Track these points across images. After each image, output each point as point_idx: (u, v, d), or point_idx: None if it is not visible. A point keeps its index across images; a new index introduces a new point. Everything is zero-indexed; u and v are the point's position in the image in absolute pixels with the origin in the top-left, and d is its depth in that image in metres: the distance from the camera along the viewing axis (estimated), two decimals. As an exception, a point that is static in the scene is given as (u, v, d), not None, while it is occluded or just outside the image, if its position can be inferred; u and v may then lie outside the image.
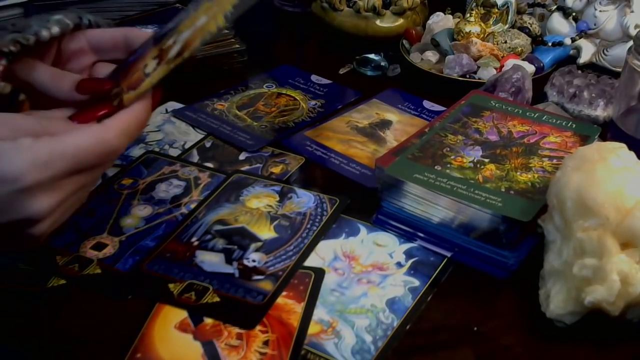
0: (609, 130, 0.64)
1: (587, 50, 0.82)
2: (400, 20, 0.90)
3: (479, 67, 0.79)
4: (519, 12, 0.85)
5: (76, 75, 0.46)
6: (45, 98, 0.45)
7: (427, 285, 0.51)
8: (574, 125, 0.63)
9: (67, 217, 0.46)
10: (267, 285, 0.51)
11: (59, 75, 0.46)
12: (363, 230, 0.57)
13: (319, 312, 0.49)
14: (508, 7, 0.82)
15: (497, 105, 0.66)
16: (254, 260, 0.53)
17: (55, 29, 0.47)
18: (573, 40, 0.81)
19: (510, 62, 0.77)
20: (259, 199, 0.60)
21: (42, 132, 0.40)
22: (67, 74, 0.46)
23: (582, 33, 0.81)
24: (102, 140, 0.41)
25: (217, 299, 0.49)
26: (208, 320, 0.48)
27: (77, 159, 0.40)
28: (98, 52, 0.50)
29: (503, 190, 0.53)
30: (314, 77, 0.83)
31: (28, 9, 0.88)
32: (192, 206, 0.59)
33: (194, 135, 0.71)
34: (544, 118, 0.64)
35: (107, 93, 0.44)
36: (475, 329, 0.48)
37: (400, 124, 0.74)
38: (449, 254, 0.54)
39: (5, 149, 0.38)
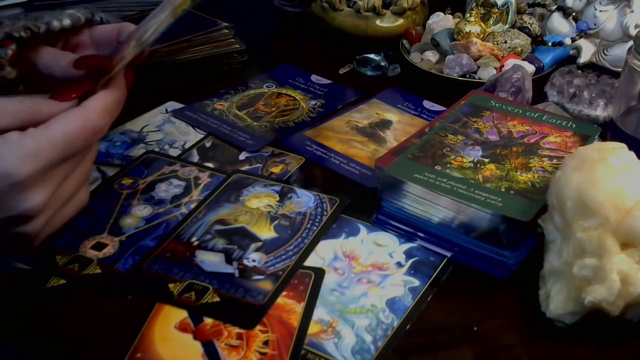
0: (609, 130, 0.64)
1: (587, 50, 0.82)
2: (400, 20, 0.90)
3: (479, 67, 0.79)
4: (519, 12, 0.85)
5: (74, 55, 0.47)
6: (45, 84, 0.46)
7: (427, 285, 0.51)
8: (574, 125, 0.63)
9: (64, 219, 0.46)
10: (267, 285, 0.51)
11: (59, 54, 0.48)
12: (363, 230, 0.57)
13: (319, 312, 0.49)
14: (508, 7, 0.82)
15: (497, 105, 0.66)
16: (254, 260, 0.53)
17: (67, 21, 0.48)
18: (573, 40, 0.81)
19: (510, 62, 0.77)
20: (259, 199, 0.60)
21: (26, 112, 0.41)
22: (67, 53, 0.48)
23: (582, 33, 0.81)
24: (86, 121, 0.42)
25: (217, 299, 0.49)
26: (208, 320, 0.48)
27: (66, 145, 0.41)
28: (98, 46, 0.51)
29: (503, 190, 0.53)
30: (314, 77, 0.83)
31: (28, 9, 0.88)
32: (192, 206, 0.59)
33: (194, 135, 0.71)
34: (544, 118, 0.64)
35: (102, 68, 0.45)
36: (475, 329, 0.48)
37: (400, 124, 0.74)
38: (449, 254, 0.54)
39: None
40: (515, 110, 0.65)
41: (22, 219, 0.41)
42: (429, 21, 0.87)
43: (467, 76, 0.78)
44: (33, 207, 0.41)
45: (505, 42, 0.80)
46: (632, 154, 0.49)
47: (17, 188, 0.39)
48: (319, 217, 0.58)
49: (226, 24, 0.85)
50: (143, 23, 0.47)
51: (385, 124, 0.73)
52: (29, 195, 0.40)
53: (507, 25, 0.82)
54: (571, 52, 0.83)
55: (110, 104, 0.45)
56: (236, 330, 0.47)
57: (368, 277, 0.52)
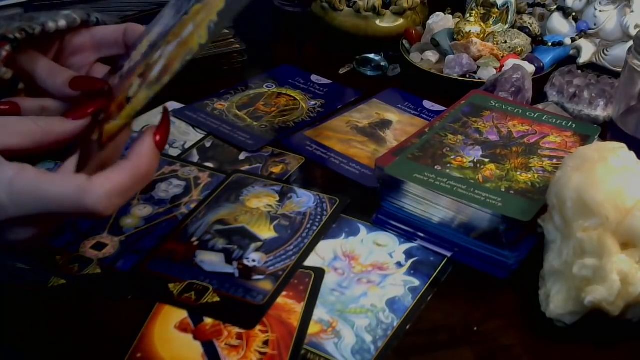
0: (609, 130, 0.64)
1: (587, 50, 0.82)
2: (400, 20, 0.90)
3: (479, 67, 0.79)
4: (519, 12, 0.85)
5: (71, 72, 0.46)
6: (41, 88, 0.46)
7: (427, 285, 0.51)
8: (574, 125, 0.63)
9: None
10: (267, 285, 0.51)
11: (55, 70, 0.46)
12: (363, 230, 0.57)
13: (319, 312, 0.49)
14: (508, 7, 0.82)
15: (497, 105, 0.66)
16: (254, 260, 0.53)
17: (62, 22, 0.47)
18: (573, 40, 0.81)
19: (510, 62, 0.77)
20: (259, 199, 0.60)
21: (39, 133, 0.40)
22: (64, 69, 0.47)
23: (582, 33, 0.81)
24: (78, 201, 0.37)
25: (217, 298, 0.49)
26: (208, 320, 0.48)
27: (46, 208, 0.38)
28: (100, 49, 0.50)
29: (503, 190, 0.53)
30: (314, 77, 0.83)
31: (28, 9, 0.88)
32: (192, 206, 0.59)
33: (194, 135, 0.71)
34: (544, 118, 0.64)
35: (98, 91, 0.44)
36: (475, 329, 0.48)
37: (400, 124, 0.74)
38: (449, 254, 0.54)
39: None
40: (515, 110, 0.65)
41: (11, 244, 0.41)
42: (429, 21, 0.87)
43: (467, 76, 0.78)
44: (20, 240, 0.40)
45: (505, 42, 0.80)
46: (632, 154, 0.49)
47: (3, 222, 0.38)
48: (319, 217, 0.58)
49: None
50: (154, 41, 0.42)
51: (385, 124, 0.73)
52: (16, 230, 0.39)
53: (507, 25, 0.82)
54: (571, 52, 0.83)
55: (123, 185, 0.38)
56: (236, 330, 0.47)
57: (368, 277, 0.52)
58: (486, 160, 0.57)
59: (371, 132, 0.72)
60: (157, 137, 0.41)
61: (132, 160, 0.39)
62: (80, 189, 0.37)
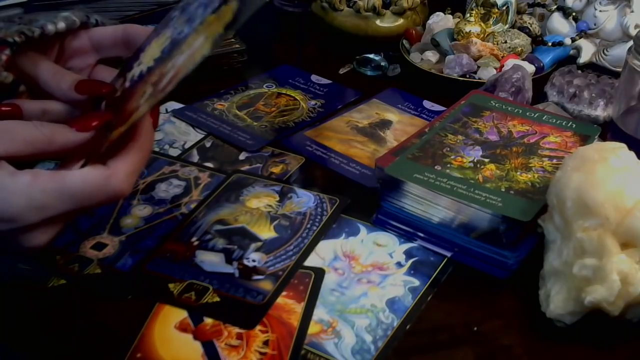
0: (609, 130, 0.64)
1: (587, 50, 0.82)
2: (400, 20, 0.90)
3: (479, 67, 0.79)
4: (519, 12, 0.85)
5: (77, 75, 0.46)
6: (45, 91, 0.46)
7: (427, 285, 0.51)
8: (574, 125, 0.63)
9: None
10: (267, 285, 0.51)
11: (60, 74, 0.46)
12: (363, 230, 0.57)
13: (319, 312, 0.49)
14: (508, 7, 0.82)
15: (497, 105, 0.66)
16: (254, 260, 0.53)
17: (62, 24, 0.47)
18: (573, 40, 0.81)
19: (510, 62, 0.77)
20: (259, 199, 0.60)
21: (41, 140, 0.40)
22: (69, 73, 0.46)
23: (582, 33, 0.81)
24: (105, 186, 0.40)
25: (217, 298, 0.49)
26: (208, 320, 0.48)
27: (75, 202, 0.39)
28: (99, 50, 0.49)
29: (503, 190, 0.53)
30: (314, 77, 0.83)
31: (28, 9, 0.89)
32: (192, 206, 0.59)
33: (194, 135, 0.71)
34: (544, 118, 0.64)
35: (105, 96, 0.44)
36: (475, 329, 0.48)
37: (400, 124, 0.74)
38: (449, 254, 0.54)
39: (4, 186, 0.38)
40: (515, 110, 0.65)
41: (26, 250, 0.41)
42: (429, 21, 0.87)
43: (467, 76, 0.78)
44: (35, 246, 0.40)
45: (505, 42, 0.80)
46: (632, 154, 0.49)
47: (20, 231, 0.39)
48: (319, 217, 0.58)
49: (226, 24, 0.84)
50: (170, 47, 0.42)
51: (385, 124, 0.73)
52: (33, 236, 0.40)
53: (507, 25, 0.82)
54: (571, 52, 0.83)
55: (137, 165, 0.42)
56: (236, 330, 0.47)
57: (368, 277, 0.52)
58: (486, 160, 0.57)
59: (371, 132, 0.72)
60: (151, 119, 0.44)
61: (140, 141, 0.42)
62: (104, 176, 0.40)
